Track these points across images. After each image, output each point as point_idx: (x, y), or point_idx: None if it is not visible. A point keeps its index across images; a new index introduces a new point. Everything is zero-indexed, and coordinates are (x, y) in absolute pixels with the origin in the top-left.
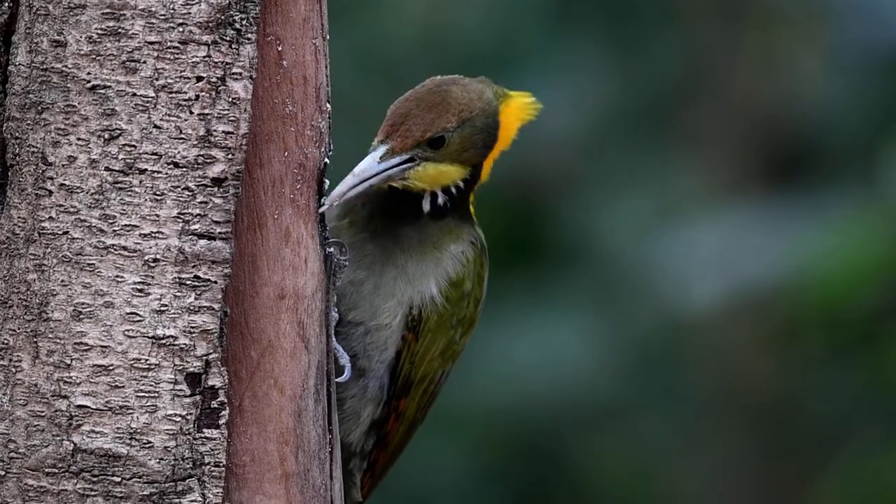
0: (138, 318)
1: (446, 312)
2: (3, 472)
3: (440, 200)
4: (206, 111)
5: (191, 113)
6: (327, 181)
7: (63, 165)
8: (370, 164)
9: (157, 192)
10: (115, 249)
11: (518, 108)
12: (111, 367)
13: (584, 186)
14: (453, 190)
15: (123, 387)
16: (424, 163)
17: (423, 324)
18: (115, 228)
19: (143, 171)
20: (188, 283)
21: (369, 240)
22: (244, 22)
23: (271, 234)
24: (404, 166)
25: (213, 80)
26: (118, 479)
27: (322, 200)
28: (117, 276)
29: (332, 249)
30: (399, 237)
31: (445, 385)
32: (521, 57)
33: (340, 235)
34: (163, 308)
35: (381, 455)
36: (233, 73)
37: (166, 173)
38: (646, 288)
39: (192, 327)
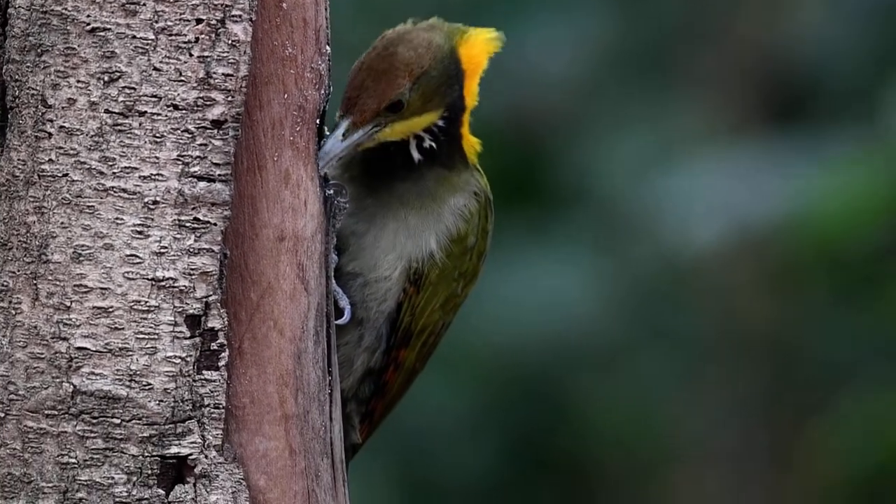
0: (138, 261)
1: (447, 267)
2: (2, 414)
3: (426, 143)
4: (206, 53)
5: (190, 55)
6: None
7: (63, 108)
8: (334, 144)
9: (157, 135)
10: (115, 191)
11: (482, 42)
12: (111, 309)
13: (584, 127)
14: (435, 129)
15: (123, 329)
16: (391, 124)
17: (424, 278)
18: (115, 171)
19: (142, 114)
20: (188, 225)
21: (368, 195)
22: None
23: (271, 176)
24: (371, 133)
25: (213, 22)
26: (118, 421)
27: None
28: (117, 219)
29: (331, 191)
30: (397, 192)
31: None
32: None
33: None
34: (162, 250)
35: (378, 403)
36: (232, 16)
37: (166, 115)
38: (646, 229)
39: (192, 269)
